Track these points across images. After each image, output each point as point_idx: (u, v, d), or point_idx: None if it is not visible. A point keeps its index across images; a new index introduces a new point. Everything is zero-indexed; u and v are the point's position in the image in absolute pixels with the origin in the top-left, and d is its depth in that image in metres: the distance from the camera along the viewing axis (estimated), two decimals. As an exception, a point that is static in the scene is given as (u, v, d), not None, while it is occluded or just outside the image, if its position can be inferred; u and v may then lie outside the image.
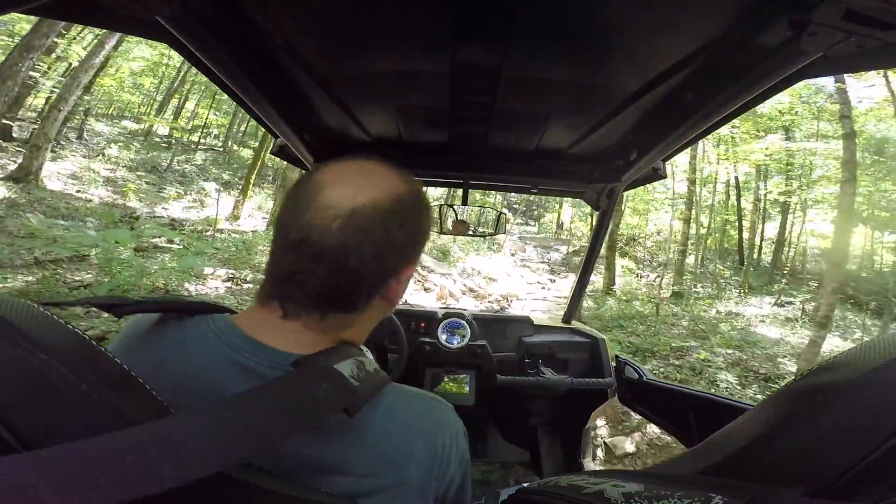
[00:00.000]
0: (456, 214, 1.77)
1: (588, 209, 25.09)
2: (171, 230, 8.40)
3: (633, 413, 2.17)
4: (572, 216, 26.48)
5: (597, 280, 14.83)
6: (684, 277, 12.59)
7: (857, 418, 0.34)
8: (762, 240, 18.80)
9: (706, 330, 8.30)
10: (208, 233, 9.18)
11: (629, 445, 3.80)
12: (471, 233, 1.80)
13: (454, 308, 2.12)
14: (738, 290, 13.51)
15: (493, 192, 19.47)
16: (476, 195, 14.58)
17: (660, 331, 8.27)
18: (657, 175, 1.51)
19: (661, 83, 0.98)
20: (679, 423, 1.49)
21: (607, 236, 11.94)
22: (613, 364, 1.97)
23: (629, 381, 1.85)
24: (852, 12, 0.59)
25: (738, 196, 17.95)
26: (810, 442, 0.35)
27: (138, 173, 12.57)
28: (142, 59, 16.80)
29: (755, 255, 17.87)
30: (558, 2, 0.75)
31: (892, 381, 0.35)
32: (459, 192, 1.75)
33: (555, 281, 16.11)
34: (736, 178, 17.13)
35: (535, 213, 32.44)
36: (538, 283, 15.31)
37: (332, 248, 0.49)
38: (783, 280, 14.22)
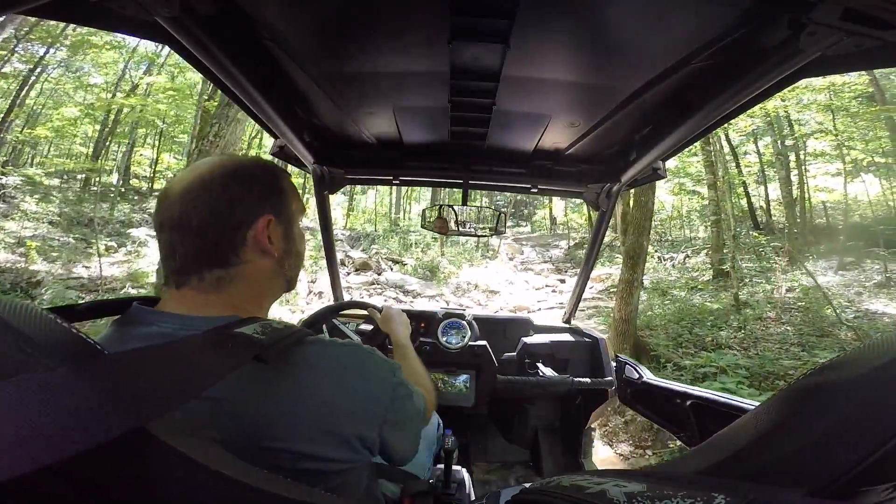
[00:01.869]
0: (456, 215, 1.79)
1: (579, 199, 23.91)
2: (83, 292, 7.15)
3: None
4: (565, 209, 25.04)
5: (613, 272, 12.88)
6: (725, 252, 10.69)
7: (858, 418, 0.34)
8: (768, 201, 17.10)
9: (818, 322, 6.18)
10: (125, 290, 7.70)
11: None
12: (471, 233, 1.83)
13: (454, 308, 2.14)
14: (778, 258, 11.58)
15: (478, 194, 18.72)
16: (458, 196, 12.85)
17: (754, 332, 6.13)
18: (657, 175, 1.51)
19: (661, 83, 0.99)
20: (679, 423, 1.50)
21: (619, 223, 10.12)
22: (614, 364, 1.96)
23: (629, 381, 1.86)
24: (851, 12, 0.60)
25: (736, 159, 16.37)
26: (812, 442, 0.35)
27: (64, 230, 10.66)
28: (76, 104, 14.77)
29: (763, 218, 16.50)
30: (558, 2, 0.76)
31: (894, 381, 0.35)
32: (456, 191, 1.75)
33: (564, 282, 14.14)
34: (727, 138, 15.61)
35: (526, 212, 30.83)
36: (546, 286, 13.29)
37: (177, 219, 0.61)
38: (824, 242, 12.29)
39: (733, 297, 7.33)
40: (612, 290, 11.05)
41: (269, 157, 1.23)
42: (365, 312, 1.83)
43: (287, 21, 0.87)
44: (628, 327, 5.32)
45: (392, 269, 12.56)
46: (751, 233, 13.01)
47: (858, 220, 14.51)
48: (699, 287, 9.52)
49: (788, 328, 6.30)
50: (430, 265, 13.21)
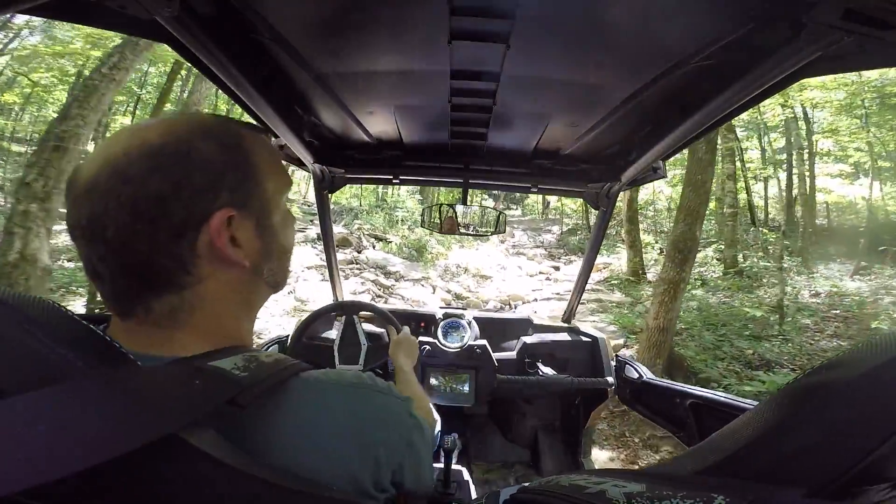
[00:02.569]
0: (456, 214, 1.78)
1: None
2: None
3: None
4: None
5: (613, 262, 11.97)
6: (739, 249, 9.89)
7: (858, 417, 0.34)
8: (766, 199, 16.60)
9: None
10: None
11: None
12: (471, 233, 1.83)
13: (454, 308, 2.12)
14: (788, 259, 10.84)
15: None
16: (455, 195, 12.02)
17: (803, 347, 5.23)
18: (657, 174, 1.50)
19: (661, 82, 0.98)
20: (679, 423, 1.49)
21: (626, 207, 9.30)
22: (613, 363, 1.96)
23: (629, 381, 1.84)
24: (851, 12, 0.59)
25: (741, 152, 15.62)
26: (811, 441, 0.35)
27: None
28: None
29: (761, 216, 16.22)
30: (558, 2, 0.76)
31: (894, 381, 0.34)
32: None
33: (559, 269, 13.32)
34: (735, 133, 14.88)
35: (517, 195, 30.26)
36: (540, 273, 12.44)
37: (88, 226, 0.42)
38: (821, 244, 11.61)
39: (776, 303, 6.45)
40: (612, 281, 10.23)
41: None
42: (369, 314, 1.82)
43: (287, 21, 0.87)
44: (665, 338, 4.39)
45: (374, 247, 11.47)
46: (760, 230, 12.26)
47: (856, 221, 13.91)
48: (712, 284, 8.66)
49: (841, 342, 5.44)
50: (416, 244, 12.15)
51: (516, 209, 29.89)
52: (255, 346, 0.54)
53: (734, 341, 5.46)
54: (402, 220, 14.50)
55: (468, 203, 1.75)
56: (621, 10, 0.77)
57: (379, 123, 1.41)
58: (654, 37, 0.84)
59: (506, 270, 12.12)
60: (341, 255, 9.90)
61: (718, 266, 10.09)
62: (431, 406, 1.00)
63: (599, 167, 1.59)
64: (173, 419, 0.35)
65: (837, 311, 6.69)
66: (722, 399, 1.32)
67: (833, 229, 13.45)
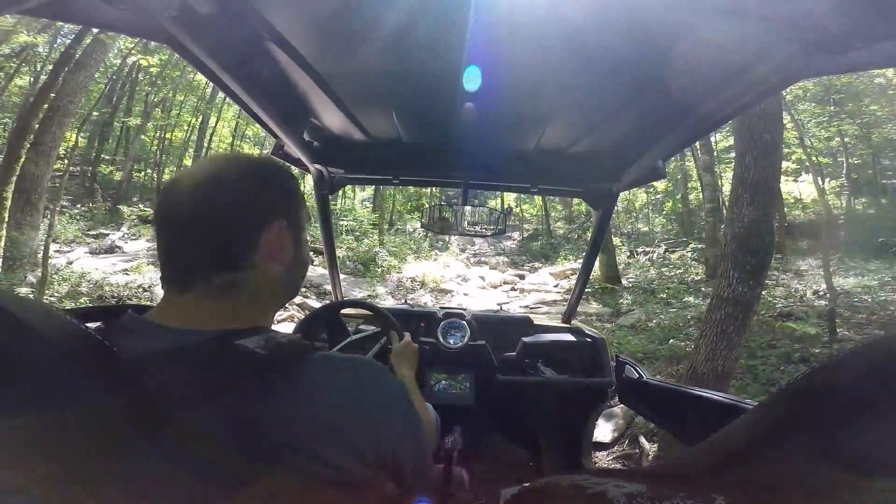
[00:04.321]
0: (455, 215, 1.79)
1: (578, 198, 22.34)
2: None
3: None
4: (516, 199, 23.42)
5: (577, 266, 10.94)
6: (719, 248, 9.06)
7: (858, 418, 0.33)
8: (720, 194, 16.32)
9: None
10: None
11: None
12: (471, 233, 1.83)
13: (454, 308, 2.13)
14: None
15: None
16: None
17: None
18: (657, 174, 1.50)
19: (660, 83, 0.99)
20: (679, 423, 1.49)
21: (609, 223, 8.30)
22: (613, 363, 1.96)
23: (629, 381, 1.84)
24: (851, 12, 0.59)
25: (693, 150, 15.32)
26: (812, 442, 0.34)
27: None
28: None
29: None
30: (558, 2, 0.76)
31: (894, 382, 0.34)
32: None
33: (524, 277, 12.22)
34: None
35: (476, 202, 29.17)
36: (505, 283, 11.28)
37: (186, 216, 0.56)
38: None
39: (818, 311, 5.36)
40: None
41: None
42: (367, 312, 1.81)
43: (287, 21, 0.87)
44: (724, 387, 2.93)
45: (313, 262, 9.84)
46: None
47: (804, 217, 13.68)
48: (699, 290, 7.70)
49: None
50: (364, 256, 10.71)
51: (490, 228, 29.16)
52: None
53: (789, 370, 4.26)
54: (348, 231, 12.93)
55: (442, 204, 1.82)
56: (621, 10, 0.77)
57: (379, 124, 1.41)
58: (655, 37, 0.84)
59: (468, 282, 10.87)
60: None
61: (698, 268, 9.25)
62: (431, 415, 1.02)
63: (599, 167, 1.57)
64: (209, 390, 0.40)
65: (863, 315, 5.80)
66: (722, 399, 1.30)
67: (795, 225, 13.13)
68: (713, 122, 1.01)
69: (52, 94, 7.24)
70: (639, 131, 1.29)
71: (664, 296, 7.86)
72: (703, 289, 7.89)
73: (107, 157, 15.30)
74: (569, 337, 2.10)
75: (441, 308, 2.11)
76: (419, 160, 1.63)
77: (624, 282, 9.21)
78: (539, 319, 2.22)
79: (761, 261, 2.84)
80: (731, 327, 2.87)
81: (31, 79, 13.16)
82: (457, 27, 0.83)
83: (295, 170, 1.73)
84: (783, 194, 12.02)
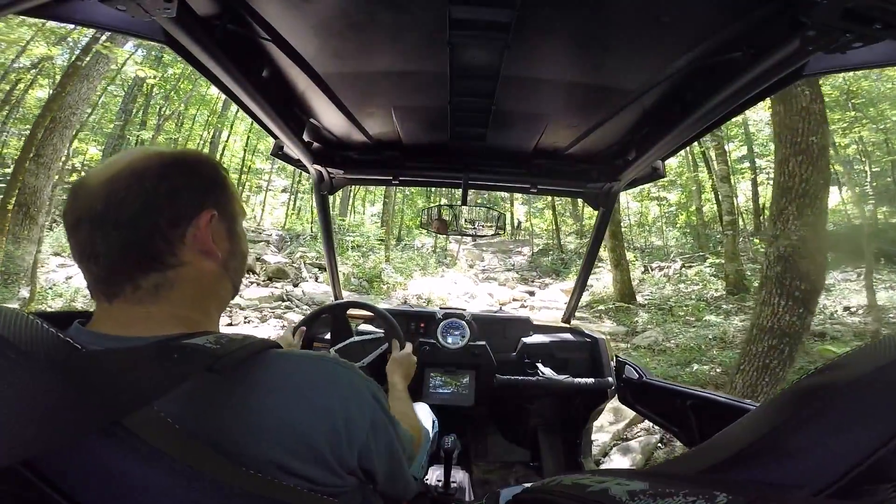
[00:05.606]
0: (455, 215, 1.79)
1: (541, 204, 21.52)
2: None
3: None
4: (527, 213, 23.13)
5: (592, 283, 10.56)
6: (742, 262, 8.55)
7: (859, 419, 0.34)
8: (756, 203, 15.78)
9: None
10: None
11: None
12: (470, 233, 1.85)
13: (453, 308, 2.11)
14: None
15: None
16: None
17: None
18: (656, 174, 1.50)
19: (660, 82, 0.98)
20: (679, 423, 1.48)
21: (608, 223, 7.98)
22: (613, 364, 1.95)
23: (629, 381, 1.84)
24: (851, 12, 0.59)
25: (707, 160, 14.90)
26: (813, 442, 0.35)
27: None
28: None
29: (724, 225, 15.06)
30: (557, 2, 0.76)
31: (894, 382, 0.34)
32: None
33: (534, 294, 11.83)
34: (699, 143, 14.14)
35: (484, 214, 28.88)
36: (514, 300, 10.91)
37: (100, 212, 0.51)
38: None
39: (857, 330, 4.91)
40: (597, 305, 8.77)
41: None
42: (368, 314, 1.81)
43: (286, 21, 0.87)
44: None
45: (317, 279, 9.65)
46: (751, 239, 11.21)
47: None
48: (719, 307, 7.27)
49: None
50: (370, 273, 10.44)
51: (490, 227, 28.91)
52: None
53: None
54: (355, 246, 12.74)
55: (447, 212, 1.78)
56: (621, 9, 0.77)
57: (378, 124, 1.40)
58: (655, 36, 0.84)
59: (476, 300, 10.52)
60: (270, 290, 8.02)
61: (716, 283, 8.79)
62: (422, 424, 0.98)
63: (599, 167, 1.57)
64: (157, 388, 0.38)
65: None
66: (722, 400, 1.30)
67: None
68: (712, 121, 1.01)
69: (54, 106, 7.21)
70: (638, 131, 1.30)
71: (682, 313, 7.44)
72: (723, 306, 7.45)
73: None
74: (568, 337, 2.09)
75: (441, 308, 2.09)
76: (418, 160, 1.62)
77: (639, 298, 8.77)
78: (539, 320, 2.21)
79: (813, 285, 2.43)
80: (774, 361, 2.51)
81: (50, 91, 13.42)
82: (457, 27, 0.83)
83: (290, 168, 1.79)
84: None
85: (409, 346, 1.44)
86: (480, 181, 1.70)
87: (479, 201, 16.34)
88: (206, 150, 18.28)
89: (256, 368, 0.49)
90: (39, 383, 0.34)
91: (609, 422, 3.57)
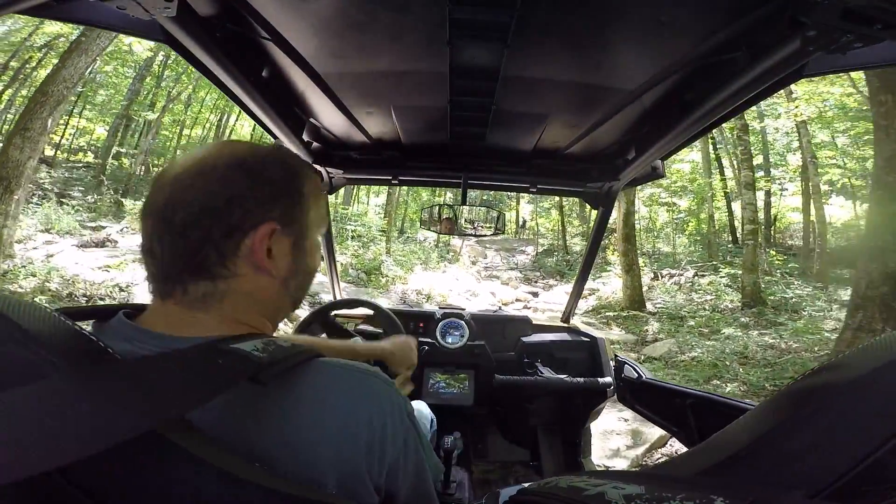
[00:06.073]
0: (455, 214, 1.79)
1: (547, 204, 21.16)
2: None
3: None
4: (533, 213, 22.72)
5: (599, 287, 10.19)
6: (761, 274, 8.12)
7: (858, 419, 0.34)
8: (763, 217, 15.39)
9: None
10: None
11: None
12: (469, 233, 1.85)
13: (452, 308, 2.11)
14: (798, 282, 9.28)
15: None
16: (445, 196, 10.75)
17: None
18: (656, 174, 1.50)
19: (660, 82, 0.98)
20: (679, 423, 1.48)
21: (622, 224, 7.67)
22: (612, 363, 1.95)
23: (628, 381, 1.83)
24: (851, 12, 0.59)
25: (721, 167, 14.57)
26: (811, 442, 0.34)
27: None
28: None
29: (729, 236, 14.90)
30: (556, 2, 0.76)
31: (893, 382, 0.34)
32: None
33: (538, 294, 11.46)
34: (715, 148, 14.36)
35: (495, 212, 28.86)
36: (517, 300, 10.57)
37: (161, 208, 0.49)
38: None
39: None
40: (604, 311, 8.39)
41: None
42: (367, 312, 1.78)
43: (286, 21, 0.86)
44: None
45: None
46: (767, 251, 10.78)
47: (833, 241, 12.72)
48: (735, 320, 6.87)
49: None
50: (369, 265, 10.07)
51: (490, 227, 28.75)
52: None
53: None
54: (355, 236, 12.36)
55: (447, 211, 1.78)
56: (620, 9, 0.77)
57: (378, 124, 1.40)
58: (653, 36, 0.84)
59: (477, 298, 10.15)
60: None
61: (732, 294, 8.38)
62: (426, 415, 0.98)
63: (598, 166, 1.57)
64: (197, 397, 0.37)
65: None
66: (721, 400, 1.30)
67: (835, 251, 12.16)
68: (712, 121, 1.01)
69: (49, 81, 6.87)
70: (637, 130, 1.30)
71: (694, 324, 7.05)
72: (740, 319, 7.05)
73: (122, 151, 15.16)
74: (567, 337, 2.10)
75: (440, 308, 2.09)
76: (418, 160, 1.62)
77: (649, 306, 8.39)
78: (538, 319, 2.20)
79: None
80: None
81: (73, 71, 13.20)
82: (457, 27, 0.83)
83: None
84: (823, 218, 11.12)
85: (411, 339, 1.41)
86: (480, 181, 1.71)
87: (485, 198, 16.01)
88: (211, 134, 18.06)
89: (299, 378, 0.48)
90: (72, 390, 0.33)
91: (626, 445, 3.22)
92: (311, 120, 1.37)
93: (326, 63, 1.01)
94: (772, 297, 7.84)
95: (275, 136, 1.35)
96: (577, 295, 2.16)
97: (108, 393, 0.34)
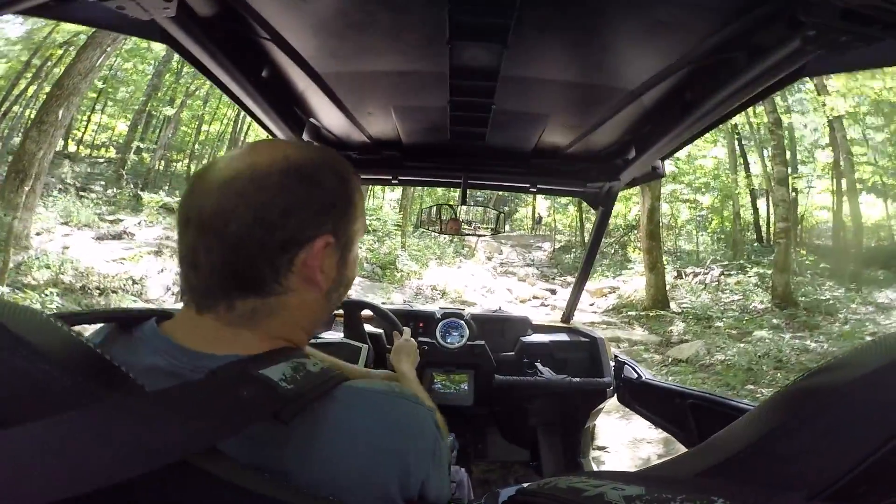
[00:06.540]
0: (455, 214, 1.79)
1: (564, 200, 20.99)
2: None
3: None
4: (550, 208, 22.39)
5: (619, 285, 9.91)
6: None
7: (857, 420, 0.34)
8: (768, 217, 14.88)
9: None
10: None
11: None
12: (469, 233, 1.84)
13: (452, 308, 2.12)
14: (831, 283, 8.88)
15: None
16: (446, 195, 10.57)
17: None
18: (656, 174, 1.49)
19: (660, 82, 0.98)
20: (678, 423, 1.47)
21: (646, 220, 7.43)
22: (612, 363, 1.94)
23: (628, 381, 1.83)
24: (850, 12, 0.59)
25: (746, 163, 14.25)
26: (811, 443, 0.34)
27: None
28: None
29: (754, 234, 14.56)
30: (556, 2, 0.76)
31: (893, 383, 0.34)
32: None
33: (555, 292, 11.24)
34: (741, 144, 13.94)
35: (506, 209, 28.65)
36: (535, 298, 10.37)
37: (209, 216, 0.46)
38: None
39: None
40: (625, 310, 8.13)
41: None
42: (368, 313, 1.82)
43: (286, 21, 0.86)
44: None
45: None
46: (797, 250, 10.35)
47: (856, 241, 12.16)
48: (769, 322, 6.56)
49: None
50: (384, 260, 9.97)
51: (506, 222, 28.63)
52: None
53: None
54: (370, 230, 12.28)
55: (466, 203, 1.74)
56: (620, 9, 0.77)
57: (378, 124, 1.40)
58: (654, 36, 0.84)
59: (493, 294, 9.97)
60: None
61: (761, 295, 8.03)
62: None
63: (599, 166, 1.56)
64: (207, 433, 0.36)
65: None
66: (721, 400, 1.30)
67: (868, 251, 11.63)
68: (712, 121, 1.01)
69: (65, 75, 6.92)
70: (637, 130, 1.29)
71: (722, 325, 6.76)
72: (773, 321, 6.74)
73: (141, 146, 15.35)
74: (567, 337, 2.09)
75: (440, 308, 2.10)
76: (418, 160, 1.62)
77: (673, 305, 8.10)
78: (538, 320, 2.21)
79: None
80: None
81: (88, 64, 13.43)
82: (456, 27, 0.82)
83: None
84: (859, 216, 10.64)
85: (406, 331, 1.45)
86: (480, 181, 1.71)
87: (498, 195, 15.79)
88: (229, 129, 18.16)
89: (324, 409, 0.45)
90: (94, 418, 0.32)
91: (658, 454, 3.04)
92: (312, 120, 1.37)
93: (326, 63, 1.01)
94: (803, 299, 7.49)
95: (274, 137, 1.36)
96: (577, 295, 2.17)
97: (130, 424, 0.33)
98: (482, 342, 1.95)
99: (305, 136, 1.41)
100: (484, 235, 1.93)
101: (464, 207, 1.78)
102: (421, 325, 2.03)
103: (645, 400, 1.75)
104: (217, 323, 0.47)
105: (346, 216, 0.52)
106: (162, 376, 0.44)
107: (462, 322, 1.99)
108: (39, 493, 0.28)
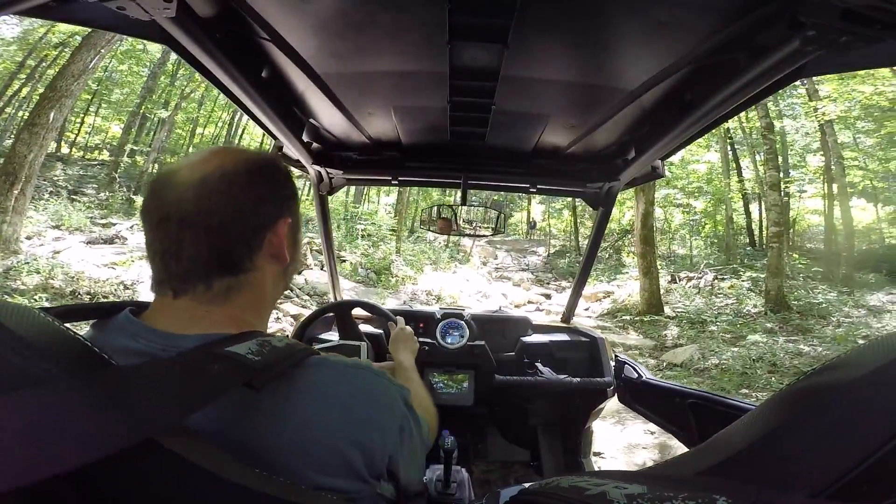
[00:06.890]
0: (455, 214, 1.80)
1: (559, 204, 20.96)
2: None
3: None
4: (545, 213, 22.42)
5: (614, 290, 9.94)
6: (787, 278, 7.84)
7: (858, 419, 0.34)
8: (760, 221, 15.02)
9: None
10: None
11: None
12: (468, 233, 1.86)
13: (452, 308, 2.12)
14: (821, 286, 8.94)
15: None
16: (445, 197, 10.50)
17: None
18: (656, 174, 1.49)
19: (660, 82, 0.98)
20: (679, 423, 1.47)
21: (640, 224, 7.46)
22: (613, 363, 1.94)
23: (629, 381, 1.83)
24: (850, 12, 0.59)
25: (738, 168, 14.44)
26: (812, 443, 0.34)
27: None
28: None
29: (747, 238, 14.75)
30: (556, 2, 0.76)
31: (893, 382, 0.34)
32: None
33: (550, 297, 11.23)
34: (733, 149, 14.19)
35: (502, 213, 28.52)
36: (530, 303, 10.36)
37: (192, 214, 0.51)
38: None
39: None
40: (620, 315, 8.14)
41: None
42: (365, 314, 1.84)
43: (286, 21, 0.86)
44: None
45: (323, 267, 9.16)
46: (789, 253, 10.41)
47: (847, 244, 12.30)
48: (761, 326, 6.59)
49: None
50: (378, 265, 9.94)
51: (487, 227, 28.76)
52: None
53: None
54: (365, 235, 12.23)
55: (447, 211, 1.78)
56: (620, 9, 0.77)
57: (378, 124, 1.40)
58: (654, 36, 0.83)
59: (489, 300, 9.94)
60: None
61: (755, 299, 8.07)
62: (432, 408, 0.97)
63: (598, 167, 1.57)
64: (191, 404, 0.37)
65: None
66: (722, 399, 1.30)
67: (859, 254, 11.73)
68: (712, 121, 1.00)
69: (58, 76, 6.86)
70: (637, 130, 1.30)
71: (716, 329, 6.78)
72: (766, 324, 6.77)
73: (135, 148, 15.24)
74: (567, 337, 2.09)
75: (440, 308, 2.10)
76: (418, 160, 1.62)
77: (667, 310, 8.12)
78: (538, 320, 2.21)
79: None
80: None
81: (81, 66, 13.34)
82: (456, 27, 0.83)
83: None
84: (850, 220, 10.74)
85: (400, 320, 1.46)
86: (480, 181, 1.71)
87: (494, 198, 15.84)
88: (223, 132, 18.13)
89: (294, 378, 0.49)
90: (68, 397, 0.33)
91: (653, 459, 3.00)
92: (311, 120, 1.37)
93: (326, 63, 1.01)
94: (796, 302, 7.54)
95: (275, 137, 1.35)
96: (577, 295, 2.18)
97: (103, 401, 0.34)
98: (482, 342, 1.94)
99: (305, 137, 1.40)
100: (485, 235, 1.90)
101: (464, 207, 1.77)
102: (421, 325, 2.02)
103: (645, 400, 1.74)
104: (192, 303, 0.53)
105: (296, 203, 0.63)
106: (133, 356, 0.48)
107: (462, 322, 1.98)
108: (4, 477, 0.28)
